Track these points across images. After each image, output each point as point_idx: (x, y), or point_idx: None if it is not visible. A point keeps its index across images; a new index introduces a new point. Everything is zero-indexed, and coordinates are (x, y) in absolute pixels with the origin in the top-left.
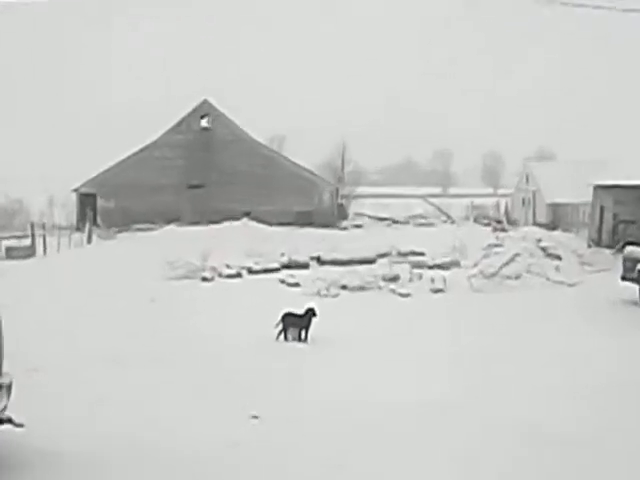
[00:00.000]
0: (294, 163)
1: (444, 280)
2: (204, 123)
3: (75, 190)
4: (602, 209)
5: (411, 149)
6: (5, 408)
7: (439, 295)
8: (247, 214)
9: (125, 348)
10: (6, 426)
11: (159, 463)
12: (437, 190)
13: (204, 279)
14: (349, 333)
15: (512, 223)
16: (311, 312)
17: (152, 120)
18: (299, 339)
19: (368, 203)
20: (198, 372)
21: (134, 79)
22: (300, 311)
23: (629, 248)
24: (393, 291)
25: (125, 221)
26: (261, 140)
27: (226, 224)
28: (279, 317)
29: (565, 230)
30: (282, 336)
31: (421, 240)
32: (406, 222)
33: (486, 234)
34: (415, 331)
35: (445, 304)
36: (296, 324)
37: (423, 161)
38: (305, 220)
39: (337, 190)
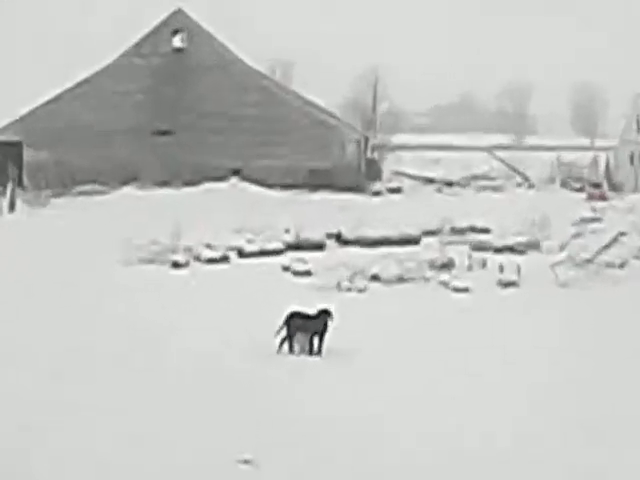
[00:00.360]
0: (305, 101)
1: (518, 269)
2: (177, 42)
3: None
4: None
5: (472, 84)
6: None
7: (510, 291)
8: (237, 172)
9: (63, 369)
10: None
11: None
12: (508, 140)
13: (175, 265)
14: (382, 345)
15: (615, 188)
16: (326, 314)
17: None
18: (310, 351)
19: (410, 158)
20: (153, 420)
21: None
22: (311, 311)
23: None
24: (445, 284)
25: (63, 181)
26: (258, 67)
27: (207, 186)
28: (282, 319)
29: None
30: (286, 346)
31: (485, 211)
32: (464, 185)
33: (578, 203)
34: (478, 347)
35: (519, 304)
36: (306, 329)
37: (488, 99)
38: (320, 181)
39: (366, 139)
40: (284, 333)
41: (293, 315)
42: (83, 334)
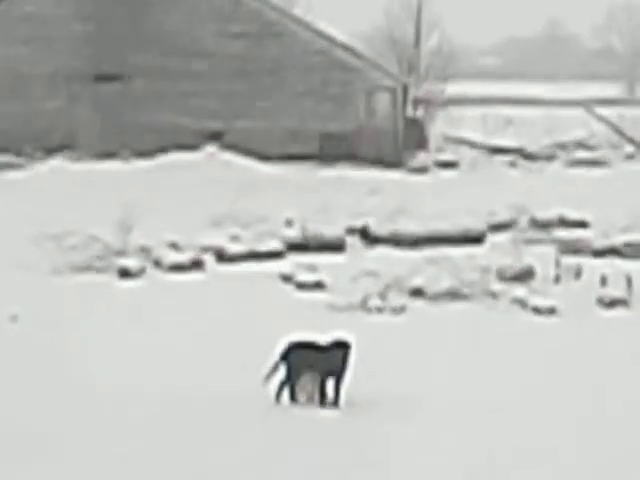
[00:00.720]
0: (316, 31)
1: (628, 281)
2: None
3: None
4: None
5: (562, 8)
6: None
7: (617, 313)
8: (216, 137)
9: None
10: None
11: None
12: (616, 91)
13: (124, 273)
14: (428, 394)
15: None
16: (344, 346)
17: None
18: (321, 399)
19: (471, 117)
20: None
21: None
22: (322, 341)
23: None
24: (521, 303)
25: None
26: None
27: (171, 157)
28: (279, 353)
29: None
30: (286, 394)
31: (580, 196)
32: (550, 157)
33: None
34: (571, 401)
35: (631, 332)
36: (315, 367)
37: (587, 30)
38: (337, 151)
39: (405, 89)
40: (282, 373)
41: (295, 347)
42: None
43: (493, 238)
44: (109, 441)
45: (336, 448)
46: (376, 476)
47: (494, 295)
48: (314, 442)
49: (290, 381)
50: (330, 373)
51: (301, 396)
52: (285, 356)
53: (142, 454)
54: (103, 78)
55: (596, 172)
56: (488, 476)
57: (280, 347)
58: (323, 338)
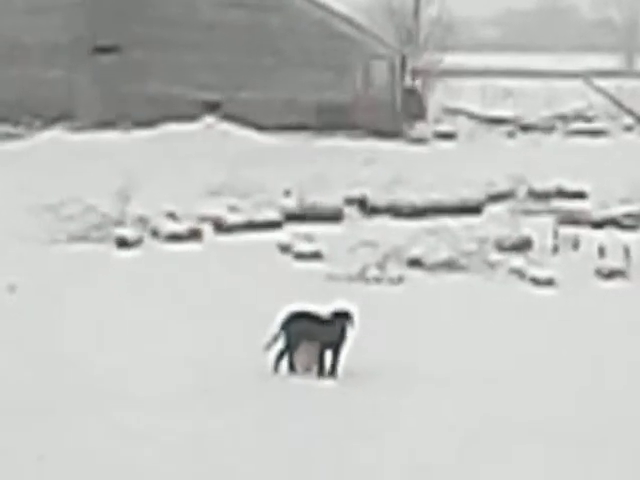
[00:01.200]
0: (313, 2)
1: (626, 252)
2: None
3: None
4: None
5: None
6: None
7: (615, 284)
8: (214, 108)
9: None
10: None
11: None
12: (614, 62)
13: (122, 243)
14: (425, 365)
15: None
16: (344, 316)
17: None
18: (320, 370)
19: (470, 88)
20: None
21: None
22: (322, 312)
23: None
24: (519, 273)
25: None
26: None
27: (169, 128)
28: (278, 322)
29: None
30: (284, 364)
31: (578, 166)
32: (548, 128)
33: None
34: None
35: (629, 303)
36: (314, 338)
37: (581, 3)
38: (335, 121)
39: (404, 60)
40: (280, 343)
41: (295, 317)
42: None
43: (491, 208)
44: (103, 411)
45: (333, 418)
46: (372, 445)
47: (492, 265)
48: (311, 412)
49: (289, 351)
50: (329, 344)
51: (299, 366)
52: (285, 326)
53: (136, 424)
54: (102, 49)
55: (595, 143)
56: (482, 447)
57: (280, 317)
58: (323, 308)
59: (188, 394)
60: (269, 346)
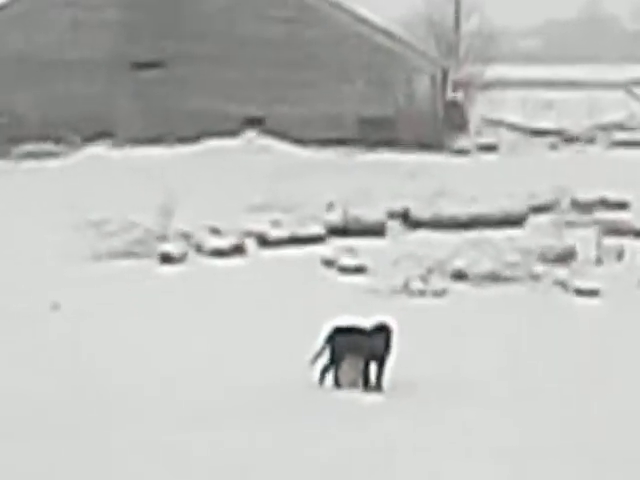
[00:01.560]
0: (356, 16)
1: None
2: None
3: None
4: None
5: None
6: None
7: None
8: (256, 123)
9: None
10: None
11: None
12: None
13: (166, 258)
14: (474, 378)
15: None
16: (386, 330)
17: None
18: (364, 384)
19: (511, 99)
20: None
21: None
22: (365, 324)
23: None
24: (563, 285)
25: (0, 137)
26: None
27: (211, 144)
28: (323, 337)
29: None
30: (330, 378)
31: (622, 177)
32: (591, 139)
33: None
34: (619, 389)
35: None
36: (358, 351)
37: (627, 13)
38: (378, 135)
39: (445, 73)
40: (325, 358)
41: (339, 331)
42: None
43: (534, 220)
44: (141, 428)
45: (376, 432)
46: (419, 459)
47: (536, 277)
48: (354, 427)
49: (334, 365)
50: (373, 357)
51: (344, 380)
52: (329, 340)
53: (178, 440)
54: (143, 65)
55: (637, 153)
56: (523, 464)
57: (324, 331)
58: (366, 322)
59: (234, 409)
60: (315, 360)
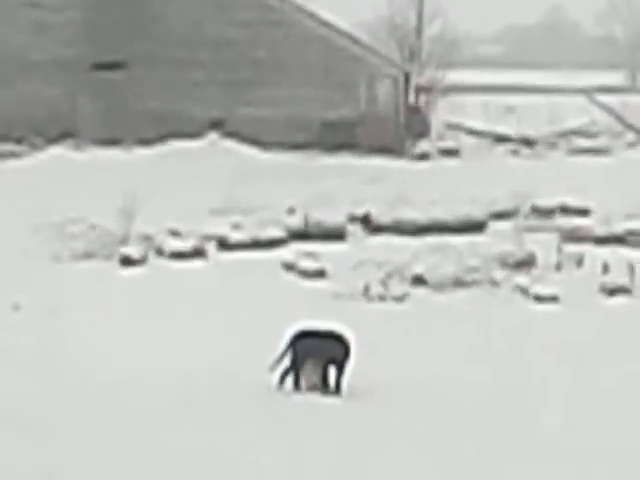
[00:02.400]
0: (318, 19)
1: (630, 269)
2: None
3: None
4: None
5: None
6: None
7: (619, 300)
8: (217, 125)
9: None
10: None
11: None
12: (617, 79)
13: (126, 261)
14: (430, 385)
15: None
16: (344, 334)
17: None
18: (323, 387)
19: (472, 104)
20: None
21: None
22: (323, 328)
23: None
24: (523, 290)
25: None
26: None
27: (173, 146)
28: (285, 340)
29: None
30: (289, 381)
31: (582, 183)
32: (551, 144)
33: None
34: (575, 397)
35: (634, 321)
36: (318, 354)
37: (588, 18)
38: (339, 139)
39: (407, 77)
40: (286, 360)
41: (301, 335)
42: None
43: (495, 226)
44: (102, 427)
45: (333, 435)
46: (369, 463)
47: (496, 283)
48: (312, 429)
49: (294, 369)
50: (332, 361)
51: (306, 384)
52: (292, 343)
53: (135, 441)
54: (104, 66)
55: (598, 160)
56: (483, 468)
57: (286, 335)
58: (325, 326)
59: (187, 410)
60: (276, 364)
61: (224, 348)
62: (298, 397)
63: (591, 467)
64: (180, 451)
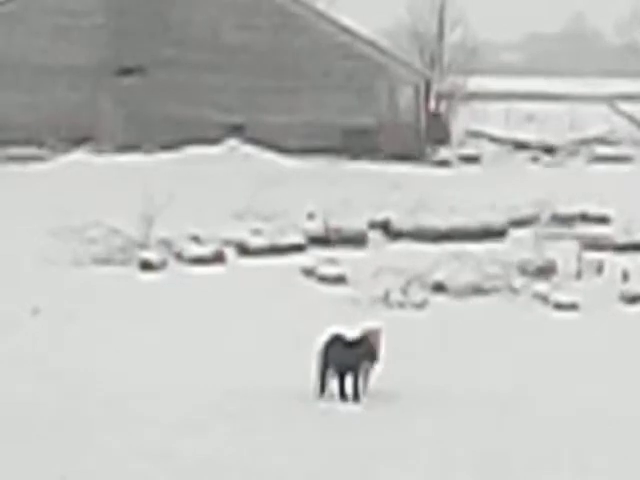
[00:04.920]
0: (339, 25)
1: None
2: None
3: None
4: None
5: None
6: None
7: (636, 309)
8: (237, 131)
9: None
10: None
11: None
12: (637, 87)
13: (146, 266)
14: (453, 392)
15: None
16: (365, 341)
17: None
18: (341, 394)
19: (493, 112)
20: None
21: None
22: (351, 333)
23: None
24: (542, 298)
25: None
26: None
27: (193, 151)
28: (320, 344)
29: None
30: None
31: (603, 191)
32: (572, 152)
33: None
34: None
35: None
36: (344, 362)
37: (610, 26)
38: (360, 145)
39: (428, 84)
40: (320, 367)
41: (334, 339)
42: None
43: (515, 233)
44: (125, 432)
45: (357, 439)
46: (397, 465)
47: (515, 290)
48: (336, 435)
49: (321, 375)
50: (348, 368)
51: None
52: (325, 350)
53: (158, 446)
54: (126, 71)
55: (618, 168)
56: (501, 472)
57: (319, 339)
58: (351, 332)
59: (206, 416)
60: (322, 371)
61: (244, 355)
62: (321, 404)
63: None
64: (197, 457)
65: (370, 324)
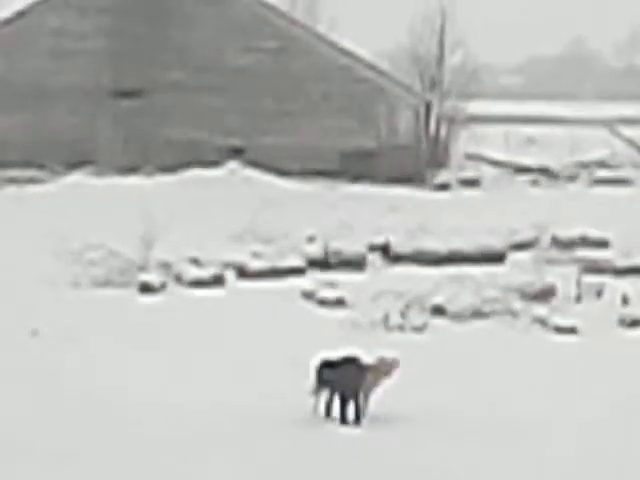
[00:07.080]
0: (339, 49)
1: None
2: None
3: None
4: None
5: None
6: None
7: (636, 334)
8: (238, 154)
9: None
10: None
11: None
12: (637, 110)
13: (145, 288)
14: (450, 415)
15: None
16: (353, 363)
17: None
18: (342, 417)
19: (493, 135)
20: None
21: None
22: (337, 355)
23: None
24: (542, 322)
25: None
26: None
27: (193, 173)
28: (313, 369)
29: None
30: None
31: (603, 215)
32: (572, 176)
33: None
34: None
35: None
36: (337, 384)
37: (610, 49)
38: (360, 168)
39: (428, 107)
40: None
41: (324, 364)
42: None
43: (514, 257)
44: (117, 455)
45: (355, 463)
46: None
47: (515, 314)
48: (334, 459)
49: (317, 397)
50: (350, 389)
51: (321, 409)
52: (319, 372)
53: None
54: (125, 93)
55: (618, 191)
56: None
57: (315, 365)
58: (337, 355)
59: (203, 438)
60: (315, 391)
61: (242, 378)
62: (315, 427)
63: None
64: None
65: (387, 353)
